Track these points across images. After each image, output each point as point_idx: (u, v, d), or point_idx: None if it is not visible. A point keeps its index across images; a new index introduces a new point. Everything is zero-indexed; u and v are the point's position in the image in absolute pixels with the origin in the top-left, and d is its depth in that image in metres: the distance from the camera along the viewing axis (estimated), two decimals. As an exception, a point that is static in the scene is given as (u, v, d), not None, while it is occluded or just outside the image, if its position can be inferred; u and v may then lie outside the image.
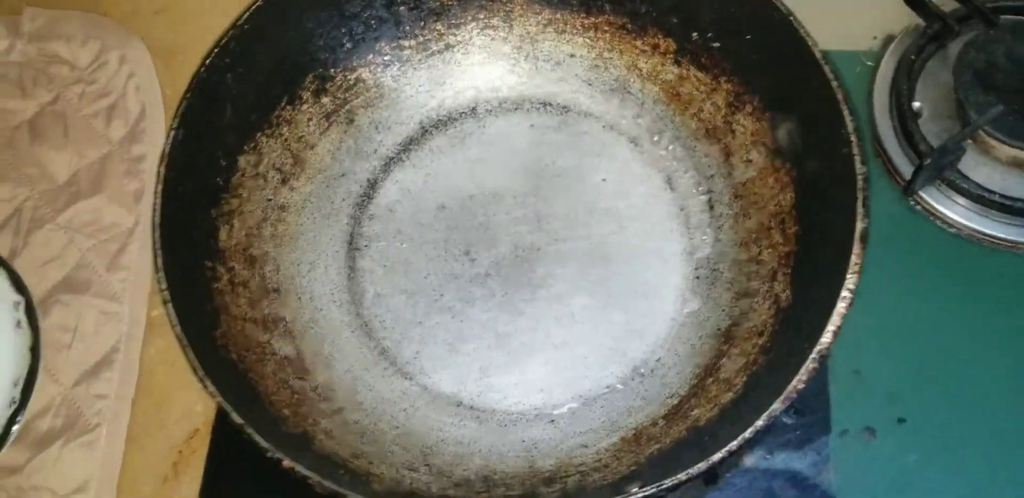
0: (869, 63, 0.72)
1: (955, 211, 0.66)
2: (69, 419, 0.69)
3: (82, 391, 0.70)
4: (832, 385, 0.63)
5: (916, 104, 0.68)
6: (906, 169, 0.67)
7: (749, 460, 0.62)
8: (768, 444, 0.62)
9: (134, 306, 0.72)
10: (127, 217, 0.75)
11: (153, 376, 0.71)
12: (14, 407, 0.68)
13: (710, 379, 0.58)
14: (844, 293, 0.50)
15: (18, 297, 0.71)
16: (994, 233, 0.66)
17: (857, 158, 0.52)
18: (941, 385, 0.63)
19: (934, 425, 0.62)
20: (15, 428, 0.67)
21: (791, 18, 0.57)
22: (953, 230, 0.67)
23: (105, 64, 0.80)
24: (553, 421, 0.61)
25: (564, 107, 0.70)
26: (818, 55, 0.55)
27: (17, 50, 0.82)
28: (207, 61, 0.59)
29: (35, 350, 0.70)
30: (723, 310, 0.62)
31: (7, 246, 0.74)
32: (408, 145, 0.71)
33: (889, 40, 0.72)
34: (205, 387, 0.51)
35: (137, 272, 0.73)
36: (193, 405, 0.69)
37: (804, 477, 0.62)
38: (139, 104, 0.79)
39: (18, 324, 0.71)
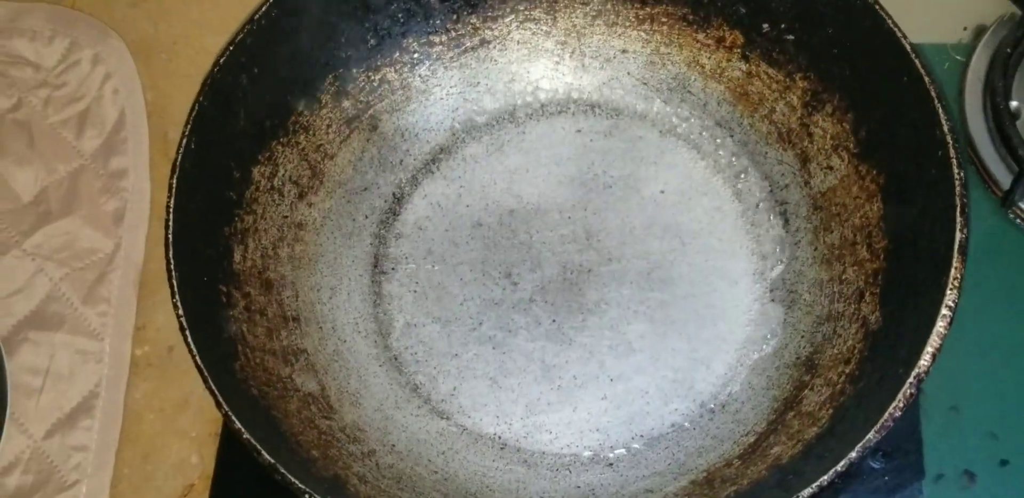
0: (959, 58, 0.77)
1: None
2: (41, 475, 0.74)
3: (56, 443, 0.74)
4: (925, 424, 0.68)
5: (1013, 104, 0.73)
6: (1004, 177, 0.72)
7: (833, 511, 0.67)
8: (854, 492, 0.67)
9: (116, 344, 0.77)
10: (105, 241, 0.80)
11: (140, 424, 0.76)
12: (-24, 462, 0.73)
13: (791, 413, 0.63)
14: (943, 311, 0.55)
15: (-20, 334, 0.77)
16: (1104, 249, 0.70)
17: (954, 161, 0.57)
18: (1050, 422, 0.68)
19: (1043, 467, 0.67)
20: (-22, 486, 0.72)
21: (877, 6, 0.61)
22: None
23: (76, 64, 0.85)
24: (611, 464, 0.66)
25: (615, 110, 0.76)
26: (908, 47, 0.60)
27: (-28, 49, 0.88)
28: (221, 60, 0.64)
29: (0, 396, 0.74)
30: (803, 336, 0.67)
31: (-36, 275, 0.80)
32: (439, 154, 0.76)
33: (981, 31, 0.77)
34: (231, 424, 0.56)
35: (119, 305, 0.78)
36: (187, 456, 0.74)
37: (895, 528, 0.66)
38: (117, 110, 0.84)
39: (-20, 365, 0.76)
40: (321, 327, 0.69)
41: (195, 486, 0.73)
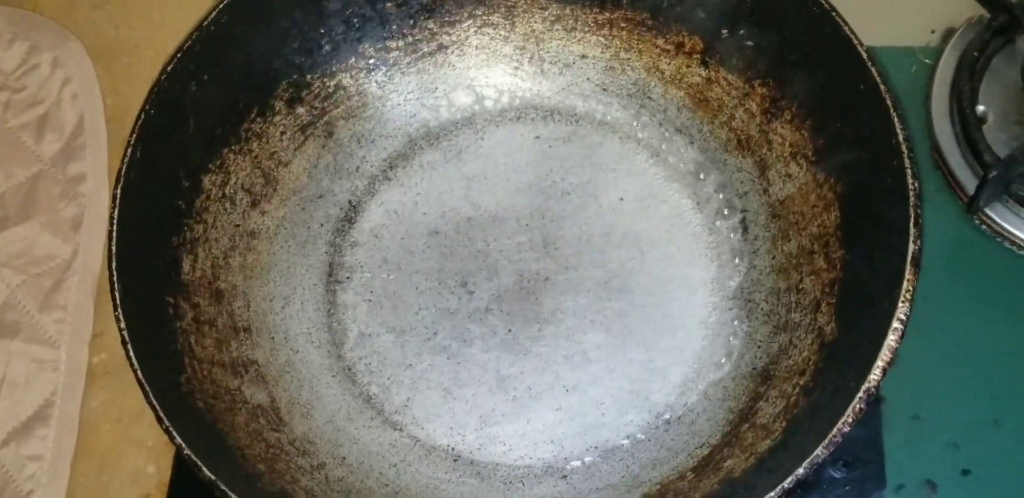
0: (927, 61, 0.77)
1: None
2: (-4, 485, 0.74)
3: (11, 452, 0.74)
4: (887, 434, 0.68)
5: (980, 108, 0.73)
6: (970, 183, 0.71)
7: (792, 521, 0.67)
8: (814, 502, 0.67)
9: (72, 352, 0.77)
10: (63, 248, 0.80)
11: (96, 433, 0.75)
12: (-68, 471, 0.73)
13: (745, 425, 0.63)
14: (895, 324, 0.54)
15: (-66, 342, 0.77)
16: (1071, 256, 0.70)
17: (909, 171, 0.57)
18: (1011, 431, 0.67)
19: (1003, 477, 0.66)
20: (-69, 498, 0.72)
21: (834, 13, 0.61)
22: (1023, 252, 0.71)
23: (35, 68, 0.85)
24: (566, 476, 0.66)
25: (574, 116, 0.75)
26: (864, 55, 0.60)
27: (-71, 52, 0.87)
28: (168, 67, 0.64)
29: (-46, 404, 0.75)
30: (759, 346, 0.66)
31: (-80, 281, 0.79)
32: (395, 161, 0.75)
33: (949, 34, 0.77)
34: (172, 439, 0.56)
35: (76, 313, 0.78)
36: (144, 466, 0.74)
37: (856, 540, 0.66)
38: (76, 115, 0.83)
39: (-65, 374, 0.76)
40: (273, 338, 0.69)
41: (151, 496, 0.73)
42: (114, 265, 0.60)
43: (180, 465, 0.73)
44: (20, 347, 0.77)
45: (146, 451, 0.74)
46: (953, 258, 0.72)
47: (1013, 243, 0.71)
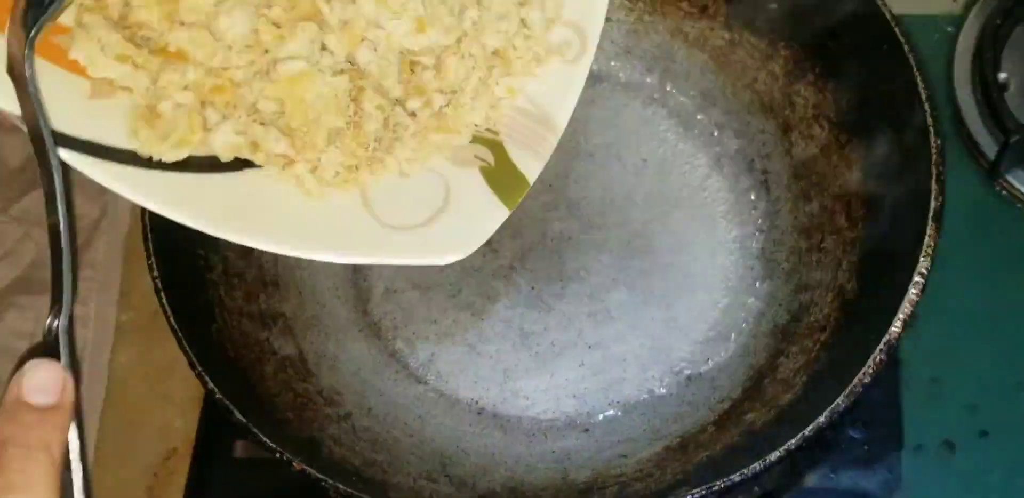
0: (949, 29, 0.77)
1: None
2: (28, 438, 0.75)
3: (41, 406, 0.76)
4: (905, 395, 0.69)
5: (1002, 75, 0.74)
6: (991, 149, 0.72)
7: (811, 479, 0.68)
8: (832, 461, 0.68)
9: (101, 309, 0.78)
10: (91, 207, 0.81)
11: (124, 388, 0.77)
12: (-35, 425, 0.74)
13: (766, 380, 0.64)
14: (916, 278, 0.55)
15: (-34, 299, 0.78)
16: (1089, 221, 0.71)
17: (932, 129, 0.58)
18: (1029, 393, 0.69)
19: (1022, 439, 0.68)
20: (-34, 447, 0.74)
21: (859, -26, 0.62)
22: None
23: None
24: (588, 430, 0.67)
25: (597, 77, 0.76)
26: (889, 15, 0.61)
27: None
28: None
29: (-12, 360, 0.76)
30: (780, 304, 0.68)
31: (-49, 241, 0.81)
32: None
33: (971, 2, 0.77)
34: (204, 384, 0.57)
35: (104, 271, 0.79)
36: (171, 421, 0.75)
37: (872, 498, 0.67)
38: (104, 79, 0.85)
39: (-33, 330, 0.77)
40: (300, 292, 0.70)
41: (178, 449, 0.74)
42: (147, 216, 0.61)
43: (207, 420, 0.74)
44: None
45: (173, 406, 0.76)
46: (974, 223, 0.73)
47: (1035, 208, 0.72)
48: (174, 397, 0.76)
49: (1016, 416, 0.68)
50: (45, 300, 0.76)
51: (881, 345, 0.55)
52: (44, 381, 0.43)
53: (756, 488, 0.68)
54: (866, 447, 0.68)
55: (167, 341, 0.76)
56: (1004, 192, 0.73)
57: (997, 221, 0.73)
